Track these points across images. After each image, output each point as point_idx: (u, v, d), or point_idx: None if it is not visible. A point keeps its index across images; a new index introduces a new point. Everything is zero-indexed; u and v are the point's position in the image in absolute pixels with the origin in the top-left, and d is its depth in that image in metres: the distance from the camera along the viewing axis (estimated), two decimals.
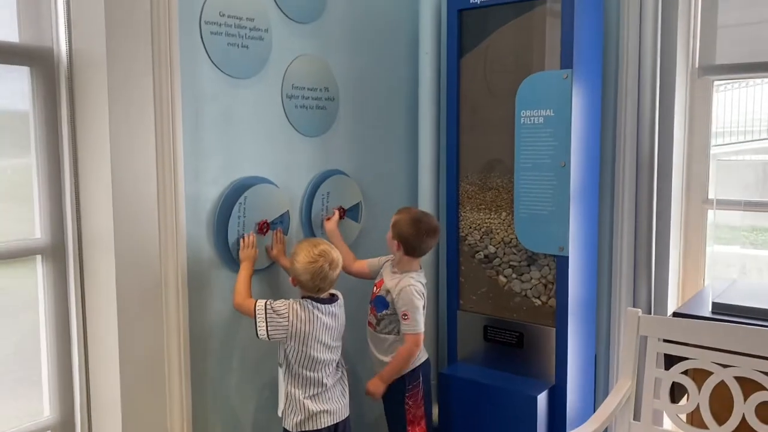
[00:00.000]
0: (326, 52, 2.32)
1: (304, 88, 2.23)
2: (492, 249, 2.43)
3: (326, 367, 1.99)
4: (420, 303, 2.16)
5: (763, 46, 2.32)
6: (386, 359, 2.20)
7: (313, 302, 1.96)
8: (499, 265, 2.41)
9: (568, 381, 2.25)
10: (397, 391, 2.21)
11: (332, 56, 2.35)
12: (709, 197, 2.46)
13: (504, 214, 2.39)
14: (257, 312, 1.90)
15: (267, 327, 1.89)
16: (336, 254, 2.00)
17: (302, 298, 1.98)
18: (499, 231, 2.41)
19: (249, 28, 2.04)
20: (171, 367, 1.86)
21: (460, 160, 2.49)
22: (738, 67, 2.36)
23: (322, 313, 1.96)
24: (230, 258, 2.03)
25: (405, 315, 2.14)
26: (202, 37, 1.92)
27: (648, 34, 2.27)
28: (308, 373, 1.96)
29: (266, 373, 2.19)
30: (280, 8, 2.13)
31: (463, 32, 2.43)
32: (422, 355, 2.27)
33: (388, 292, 2.19)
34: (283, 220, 2.18)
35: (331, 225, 2.32)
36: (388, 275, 2.24)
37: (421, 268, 2.28)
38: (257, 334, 1.90)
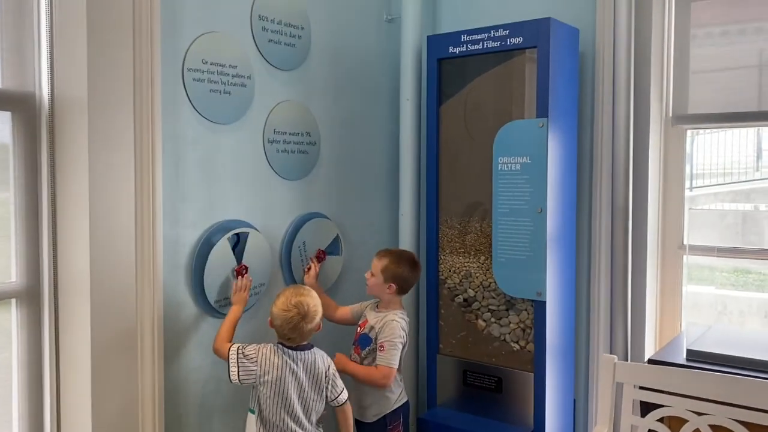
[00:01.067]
0: (308, 98, 2.37)
1: (285, 132, 2.27)
2: (471, 292, 2.44)
3: (301, 418, 1.96)
4: (399, 341, 2.17)
5: (734, 97, 2.39)
6: (368, 403, 2.20)
7: (284, 347, 1.96)
8: (478, 309, 2.42)
9: (546, 427, 2.24)
10: (378, 430, 2.20)
11: (314, 102, 2.39)
12: (685, 242, 2.50)
13: (483, 258, 2.41)
14: (230, 356, 1.90)
15: (238, 371, 1.89)
16: (313, 308, 1.96)
17: (278, 342, 1.97)
18: (478, 275, 2.43)
19: (232, 74, 2.08)
20: (145, 416, 1.83)
21: (440, 204, 2.52)
22: (710, 117, 2.43)
23: (292, 359, 1.95)
24: (207, 303, 2.02)
25: (381, 346, 2.16)
26: (184, 84, 1.95)
27: (621, 83, 2.34)
28: (281, 424, 1.93)
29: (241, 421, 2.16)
30: (262, 56, 2.18)
31: (442, 80, 2.48)
32: (403, 397, 2.28)
33: (372, 328, 2.21)
34: (263, 265, 2.19)
35: (309, 280, 2.33)
36: (371, 315, 2.27)
37: (403, 308, 2.30)
38: (230, 378, 1.89)
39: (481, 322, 2.41)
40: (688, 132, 2.49)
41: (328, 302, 2.31)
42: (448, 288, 2.50)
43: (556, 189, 2.26)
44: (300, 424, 1.95)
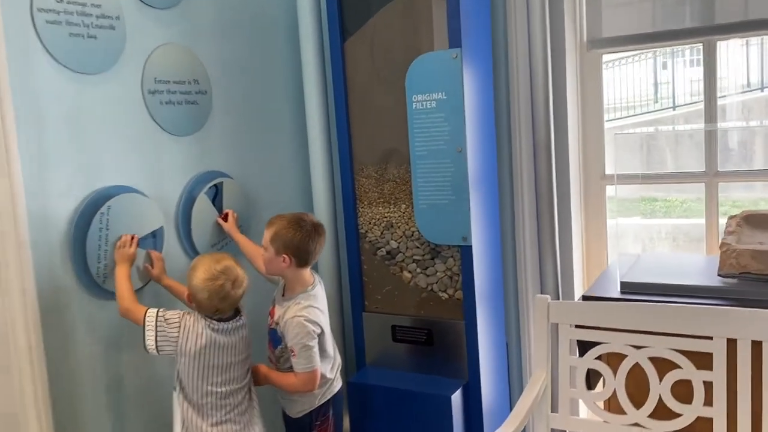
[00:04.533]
0: (193, 40, 2.07)
1: (169, 81, 1.98)
2: (394, 244, 2.28)
3: (228, 392, 1.77)
4: (308, 339, 1.88)
5: (647, 17, 2.29)
6: (294, 397, 1.99)
7: (209, 318, 1.75)
8: (403, 261, 2.26)
9: (482, 376, 2.14)
10: (302, 427, 2.01)
11: (201, 44, 2.10)
12: (607, 173, 2.42)
13: (404, 206, 2.24)
14: (147, 320, 1.69)
15: (156, 338, 1.69)
16: (240, 272, 1.78)
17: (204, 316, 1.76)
18: (400, 225, 2.26)
19: (95, 15, 1.76)
20: (29, 423, 1.57)
21: (353, 152, 2.32)
22: (625, 39, 2.32)
23: (217, 332, 1.74)
24: (93, 283, 1.75)
25: (292, 351, 1.90)
26: (36, 28, 1.63)
27: (536, 9, 2.18)
28: (206, 398, 1.73)
29: (156, 403, 1.93)
30: None
31: (344, 13, 2.24)
32: (335, 386, 2.05)
33: (277, 323, 1.96)
34: (156, 236, 1.92)
35: (228, 225, 2.10)
36: (279, 301, 2.01)
37: (314, 280, 2.05)
38: (145, 347, 1.69)
39: (406, 274, 2.26)
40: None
41: (255, 251, 2.07)
42: (370, 241, 2.32)
43: (475, 125, 2.11)
44: (231, 401, 1.77)
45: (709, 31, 2.18)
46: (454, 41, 2.02)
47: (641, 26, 2.30)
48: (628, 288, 1.88)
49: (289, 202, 2.42)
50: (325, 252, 2.42)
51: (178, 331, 1.71)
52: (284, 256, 1.91)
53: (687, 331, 1.68)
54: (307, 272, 2.00)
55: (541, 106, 2.19)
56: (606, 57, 2.40)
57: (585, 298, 1.88)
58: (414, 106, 2.11)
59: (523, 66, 2.25)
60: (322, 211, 2.44)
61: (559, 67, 2.28)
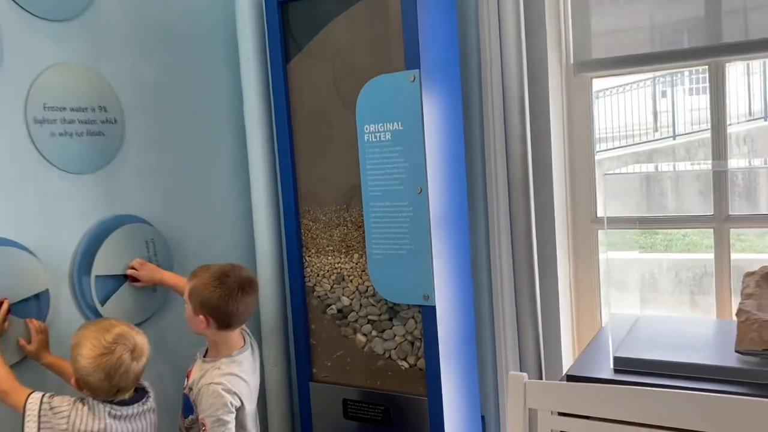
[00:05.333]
0: (100, 59, 1.73)
1: (65, 108, 1.63)
2: (346, 301, 1.91)
3: None
4: (223, 412, 1.55)
5: (643, 36, 1.96)
6: None
7: (109, 403, 1.41)
8: (356, 321, 1.90)
9: None
10: None
11: (110, 64, 1.76)
12: (599, 215, 2.07)
13: (357, 255, 1.89)
14: (27, 408, 1.36)
15: (39, 430, 1.35)
16: (139, 338, 1.46)
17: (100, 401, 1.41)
18: (352, 278, 1.90)
19: None
20: None
21: (298, 191, 1.97)
22: (618, 61, 1.99)
23: (120, 419, 1.40)
24: None
25: (202, 423, 1.56)
26: None
27: (510, 24, 1.85)
28: None
29: None
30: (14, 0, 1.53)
31: (289, 30, 1.91)
32: None
33: (191, 389, 1.61)
34: (40, 300, 1.55)
35: (144, 271, 1.75)
36: (197, 363, 1.67)
37: (245, 343, 1.71)
38: None
39: (360, 337, 1.89)
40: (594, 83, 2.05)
41: (182, 284, 1.73)
42: (318, 297, 1.96)
43: (439, 161, 1.76)
44: None
45: (716, 52, 1.85)
46: (412, 61, 1.69)
47: (637, 46, 1.97)
48: (622, 365, 1.51)
49: (225, 250, 2.06)
50: (269, 309, 2.06)
51: (68, 423, 1.36)
52: (201, 316, 1.59)
53: (697, 426, 1.31)
54: (233, 334, 1.69)
55: (517, 139, 1.84)
56: (600, 84, 2.07)
57: (570, 378, 1.52)
58: (366, 138, 1.77)
59: (497, 91, 1.91)
60: (265, 261, 2.07)
61: (541, 92, 1.95)
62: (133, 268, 1.77)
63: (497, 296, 1.96)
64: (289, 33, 1.91)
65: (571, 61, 2.03)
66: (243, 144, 2.10)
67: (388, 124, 1.73)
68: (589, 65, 2.02)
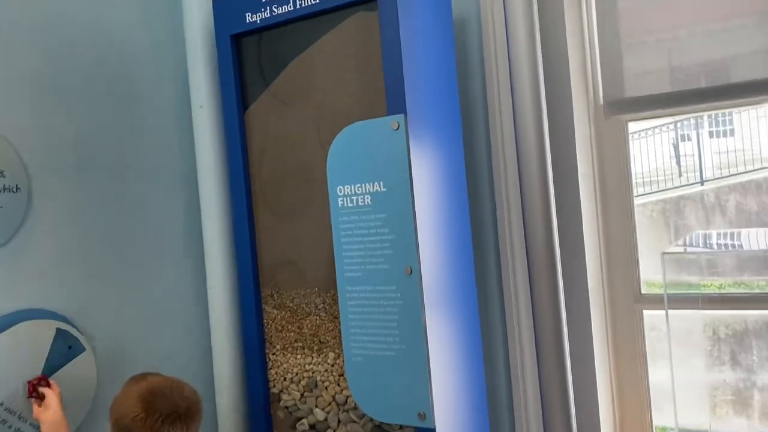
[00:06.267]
0: None
1: None
2: (320, 414, 1.47)
3: None
4: None
5: (687, 65, 1.56)
6: None
7: None
8: None
9: None
10: None
11: (9, 118, 1.38)
12: (643, 291, 1.63)
13: (332, 355, 1.45)
14: None
15: None
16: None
17: None
18: (328, 384, 1.46)
19: None
20: None
21: (260, 268, 1.56)
22: (658, 99, 1.58)
23: None
24: None
25: None
26: None
27: (522, 57, 1.46)
28: None
29: None
30: None
31: (244, 69, 1.54)
32: None
33: None
34: None
35: (50, 414, 1.31)
36: None
37: None
38: None
39: None
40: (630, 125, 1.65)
41: None
42: (286, 408, 1.52)
43: (435, 231, 1.34)
44: None
45: None
46: (395, 104, 1.29)
47: (678, 82, 1.57)
48: None
49: (169, 352, 1.63)
50: (226, 423, 1.61)
51: None
52: None
53: None
54: None
55: (537, 199, 1.42)
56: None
57: None
58: (339, 202, 1.36)
59: (508, 140, 1.51)
60: (222, 362, 1.64)
61: (565, 141, 1.54)
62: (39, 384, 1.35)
63: (519, 411, 1.50)
64: (250, 71, 1.53)
65: (601, 101, 1.63)
66: (196, 210, 1.70)
67: (367, 185, 1.32)
68: (623, 105, 1.61)
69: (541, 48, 1.45)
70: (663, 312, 1.54)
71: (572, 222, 1.53)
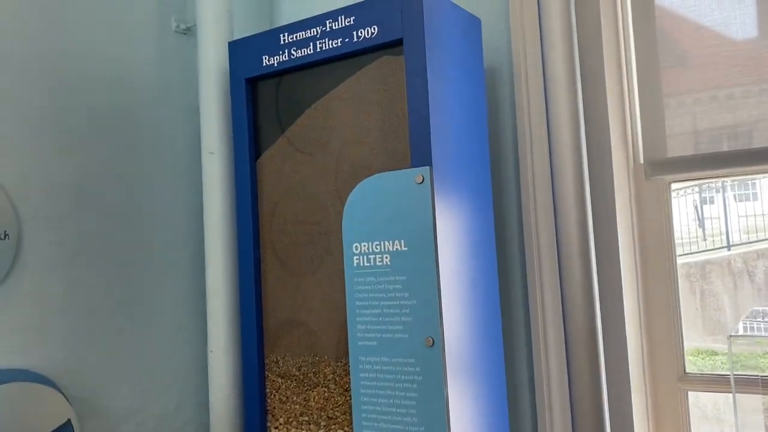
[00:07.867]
0: None
1: None
2: None
3: None
4: None
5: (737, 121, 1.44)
6: None
7: None
8: None
9: None
10: None
11: (6, 164, 1.28)
12: (688, 370, 1.46)
13: None
14: None
15: None
16: None
17: None
18: None
19: None
20: None
21: (265, 331, 1.42)
22: (704, 159, 1.46)
23: None
24: None
25: None
26: None
27: (562, 110, 1.34)
28: None
29: None
30: None
31: (258, 114, 1.44)
32: None
33: None
34: None
35: None
36: None
37: None
38: None
39: None
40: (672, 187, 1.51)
41: None
42: None
43: (460, 298, 1.20)
44: None
45: None
46: (420, 155, 1.18)
47: (717, 144, 1.44)
48: None
49: (169, 422, 1.48)
50: None
51: None
52: None
53: None
54: None
55: (576, 270, 1.27)
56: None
57: None
58: (355, 261, 1.23)
59: (542, 201, 1.38)
60: None
61: (605, 203, 1.41)
62: None
63: None
64: (264, 116, 1.43)
65: (641, 160, 1.51)
66: (200, 262, 1.57)
67: (386, 243, 1.19)
68: (665, 166, 1.49)
69: (583, 97, 1.34)
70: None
71: (612, 301, 1.38)
